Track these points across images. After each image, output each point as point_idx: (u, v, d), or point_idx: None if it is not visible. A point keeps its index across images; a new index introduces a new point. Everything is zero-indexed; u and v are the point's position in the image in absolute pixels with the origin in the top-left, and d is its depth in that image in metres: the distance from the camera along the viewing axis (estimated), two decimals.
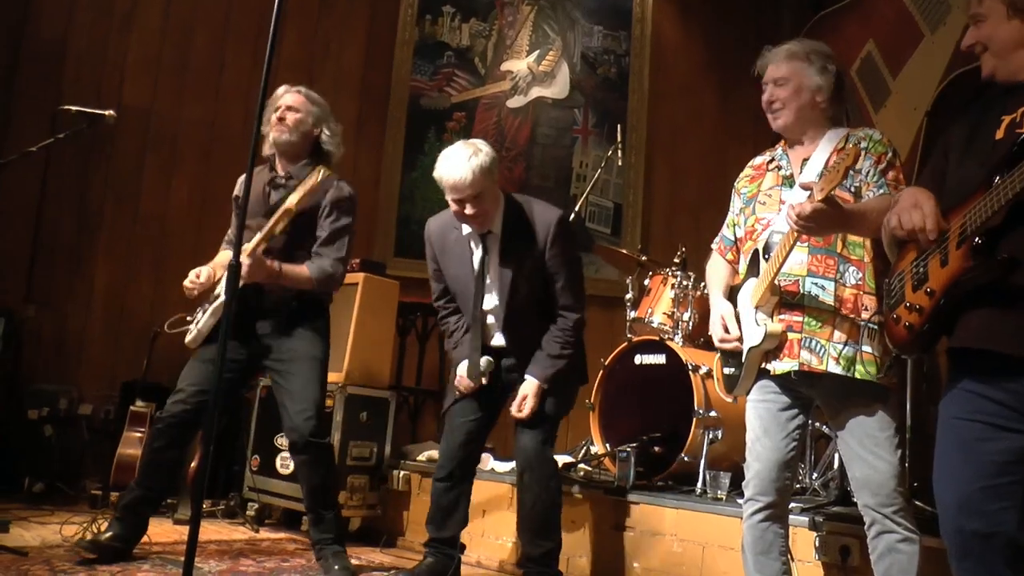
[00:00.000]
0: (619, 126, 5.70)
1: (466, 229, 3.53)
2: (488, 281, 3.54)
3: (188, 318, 3.79)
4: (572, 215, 5.20)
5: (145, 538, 3.72)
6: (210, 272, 3.67)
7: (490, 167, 3.36)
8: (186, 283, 3.64)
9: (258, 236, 3.54)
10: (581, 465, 4.48)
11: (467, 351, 3.59)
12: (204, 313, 3.70)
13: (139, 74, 5.98)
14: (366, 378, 4.73)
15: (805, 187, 2.45)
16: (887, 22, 5.64)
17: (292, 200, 3.55)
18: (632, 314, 4.84)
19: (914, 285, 2.08)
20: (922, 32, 5.27)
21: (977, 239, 1.88)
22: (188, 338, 3.73)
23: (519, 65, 6.53)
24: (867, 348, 2.63)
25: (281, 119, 3.76)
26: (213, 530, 4.48)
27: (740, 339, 2.78)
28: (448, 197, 3.40)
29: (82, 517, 4.09)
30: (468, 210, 3.37)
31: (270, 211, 3.64)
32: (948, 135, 2.27)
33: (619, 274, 5.44)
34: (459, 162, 3.32)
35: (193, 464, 4.61)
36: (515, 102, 6.46)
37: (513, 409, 3.51)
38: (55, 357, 5.58)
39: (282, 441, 4.73)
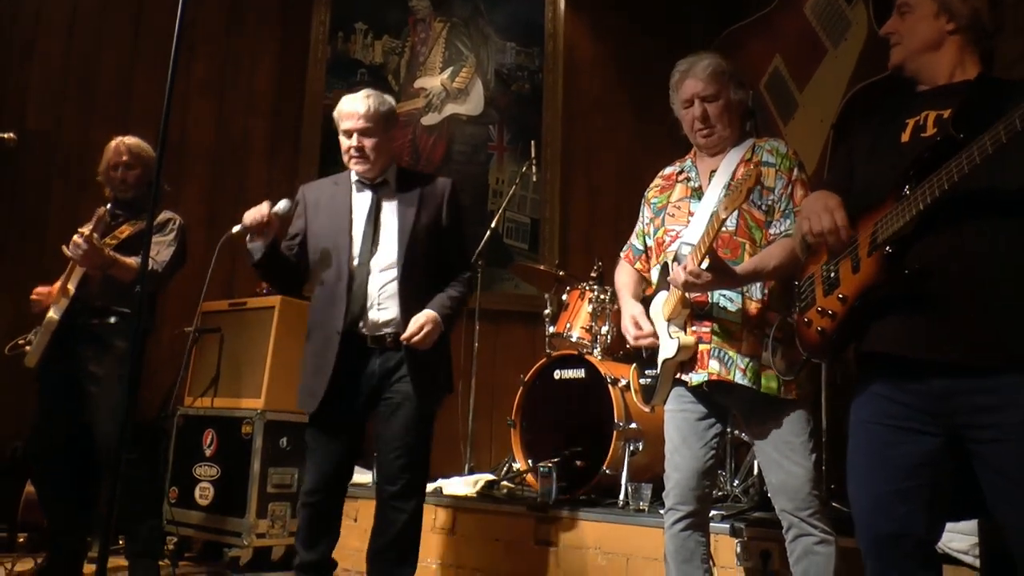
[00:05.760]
0: (532, 142, 5.72)
1: (353, 176, 3.40)
2: (381, 232, 3.30)
3: (20, 341, 3.89)
4: (488, 232, 5.20)
5: None
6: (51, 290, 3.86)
7: (386, 114, 3.32)
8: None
9: (91, 225, 3.72)
10: (504, 482, 4.48)
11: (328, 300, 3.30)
12: (38, 332, 3.80)
13: (43, 99, 5.76)
14: (286, 403, 4.62)
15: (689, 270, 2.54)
16: (792, 38, 5.78)
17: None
18: (551, 329, 4.85)
19: (825, 290, 2.11)
20: (826, 47, 5.41)
21: (888, 248, 1.93)
22: (27, 359, 3.79)
23: (433, 82, 6.51)
24: (769, 362, 2.67)
25: (123, 180, 4.04)
26: None
27: (654, 334, 2.81)
28: (342, 130, 3.32)
29: None
30: (355, 141, 3.27)
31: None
32: (853, 140, 2.30)
33: (537, 290, 5.43)
34: (358, 97, 3.32)
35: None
36: (430, 119, 6.43)
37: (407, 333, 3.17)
38: None
39: (200, 471, 4.63)
